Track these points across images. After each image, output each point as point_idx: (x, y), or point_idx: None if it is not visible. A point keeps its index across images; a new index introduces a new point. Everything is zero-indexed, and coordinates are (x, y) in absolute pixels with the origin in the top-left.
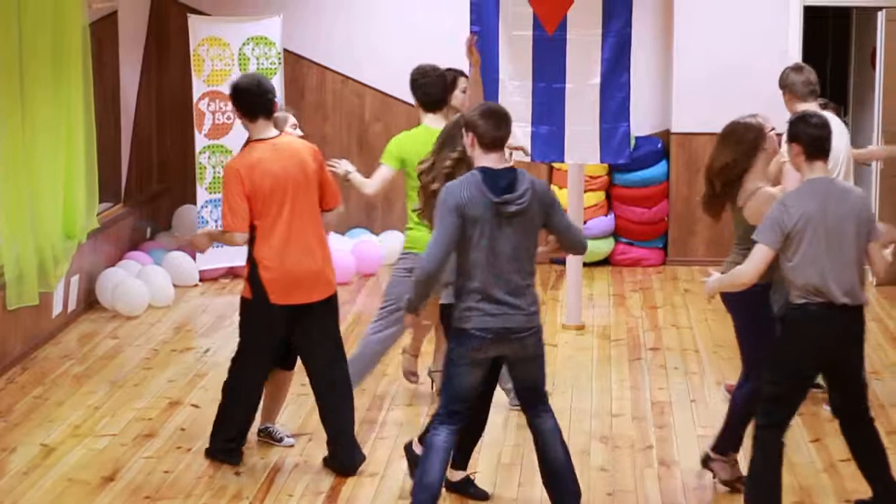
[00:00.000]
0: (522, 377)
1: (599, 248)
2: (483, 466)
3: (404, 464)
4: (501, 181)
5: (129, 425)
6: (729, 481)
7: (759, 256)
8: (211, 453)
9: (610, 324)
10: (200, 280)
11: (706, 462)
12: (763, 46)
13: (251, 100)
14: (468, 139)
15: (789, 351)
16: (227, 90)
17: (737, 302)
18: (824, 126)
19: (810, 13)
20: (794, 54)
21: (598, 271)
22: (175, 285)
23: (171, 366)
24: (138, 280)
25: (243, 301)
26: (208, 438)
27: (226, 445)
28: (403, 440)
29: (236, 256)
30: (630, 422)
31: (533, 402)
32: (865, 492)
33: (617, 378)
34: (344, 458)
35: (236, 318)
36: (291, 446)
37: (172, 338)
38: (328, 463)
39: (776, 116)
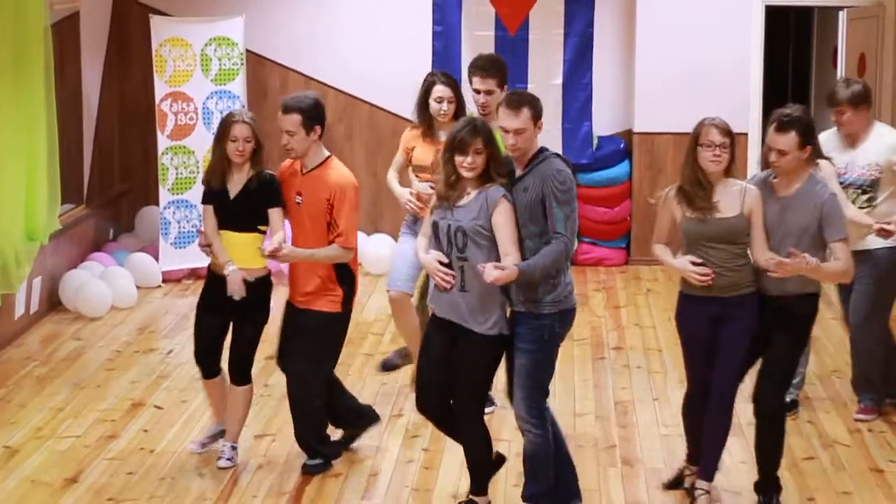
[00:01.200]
0: None
1: None
2: (447, 467)
3: (368, 463)
4: None
5: (92, 427)
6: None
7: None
8: (327, 463)
9: (574, 323)
10: (163, 281)
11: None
12: (725, 46)
13: (325, 117)
14: (538, 128)
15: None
16: (190, 91)
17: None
18: None
19: (772, 12)
20: (756, 54)
21: None
22: (138, 286)
23: (134, 367)
24: (101, 281)
25: (333, 317)
26: (315, 456)
27: (335, 450)
28: (366, 440)
29: (198, 258)
30: (593, 421)
31: None
32: (826, 489)
33: (580, 377)
34: (369, 412)
35: None
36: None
37: (135, 339)
38: (357, 429)
39: (737, 116)
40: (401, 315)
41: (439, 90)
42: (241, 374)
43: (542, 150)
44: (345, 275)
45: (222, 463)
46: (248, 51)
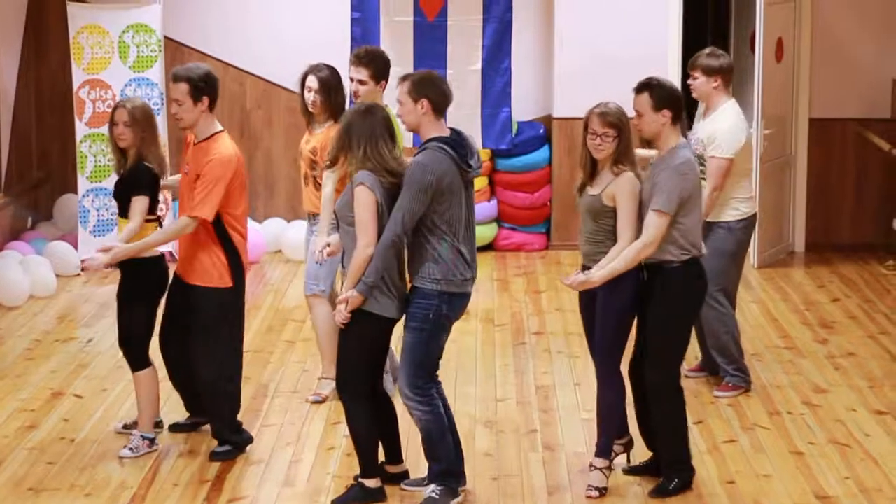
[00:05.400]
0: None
1: (482, 233)
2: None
3: (289, 450)
4: (461, 149)
5: (11, 417)
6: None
7: (665, 224)
8: (235, 450)
9: (494, 308)
10: (82, 270)
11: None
12: (643, 30)
13: (217, 90)
14: (420, 107)
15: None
16: (108, 79)
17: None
18: None
19: None
20: (675, 38)
21: (482, 257)
22: (57, 275)
23: (53, 356)
24: (19, 270)
25: (225, 292)
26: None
27: (240, 435)
28: (288, 428)
29: None
30: (514, 406)
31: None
32: (747, 472)
33: (501, 363)
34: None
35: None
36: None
37: (55, 328)
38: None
39: None
40: (312, 314)
41: (309, 81)
42: (129, 359)
43: (432, 139)
44: (230, 247)
45: (122, 452)
46: (166, 38)
